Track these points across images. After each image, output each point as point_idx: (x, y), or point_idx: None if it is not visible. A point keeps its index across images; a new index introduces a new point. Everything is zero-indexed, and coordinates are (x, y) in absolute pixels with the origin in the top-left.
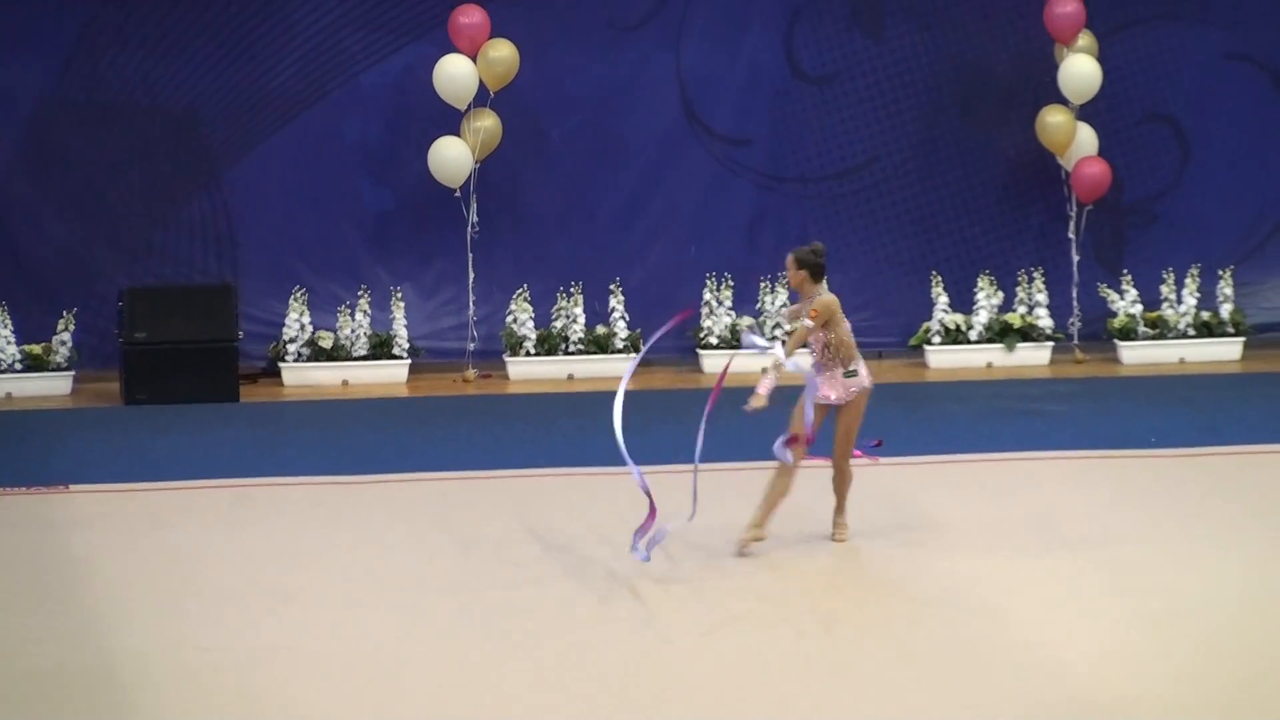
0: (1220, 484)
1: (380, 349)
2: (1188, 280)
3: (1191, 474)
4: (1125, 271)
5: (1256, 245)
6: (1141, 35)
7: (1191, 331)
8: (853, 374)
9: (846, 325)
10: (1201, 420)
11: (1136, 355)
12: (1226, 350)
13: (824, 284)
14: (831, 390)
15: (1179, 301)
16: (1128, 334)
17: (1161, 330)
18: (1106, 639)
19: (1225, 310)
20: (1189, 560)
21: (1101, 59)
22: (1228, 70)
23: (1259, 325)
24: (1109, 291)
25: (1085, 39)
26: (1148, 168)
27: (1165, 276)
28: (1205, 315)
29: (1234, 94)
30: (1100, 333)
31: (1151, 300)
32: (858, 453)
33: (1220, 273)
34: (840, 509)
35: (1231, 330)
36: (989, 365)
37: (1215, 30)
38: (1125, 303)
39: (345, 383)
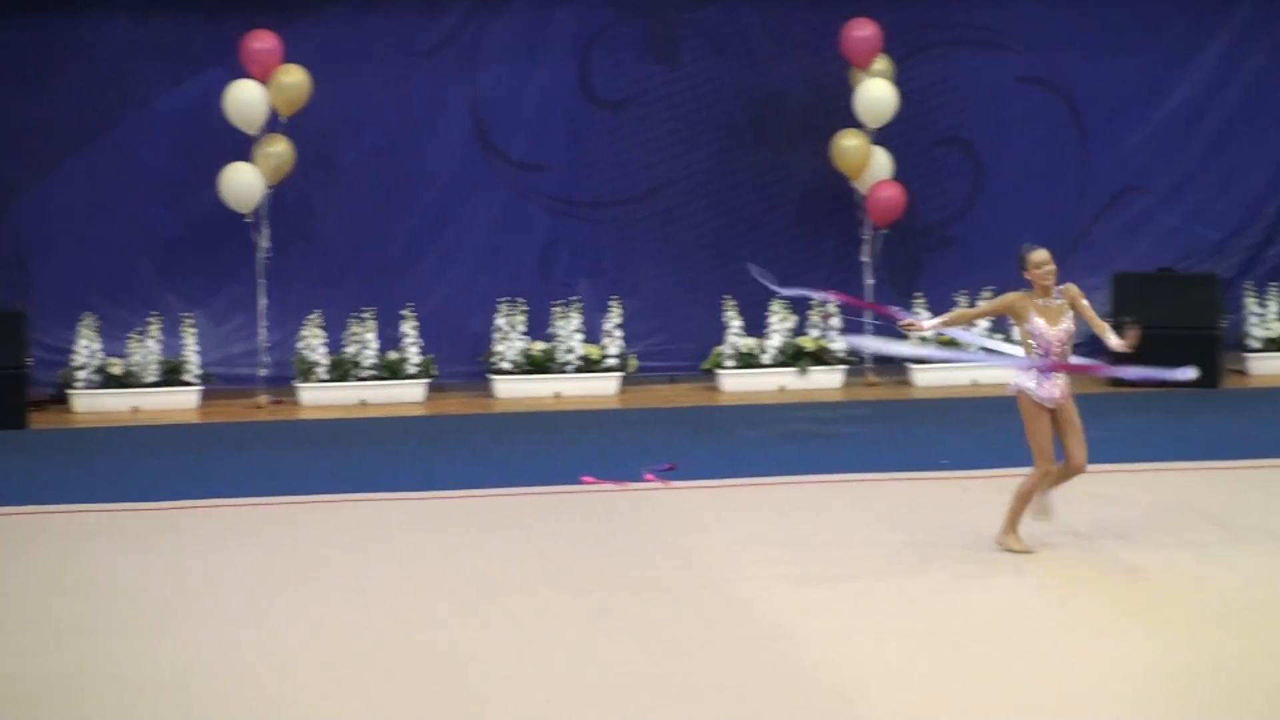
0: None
1: (171, 375)
2: (979, 303)
3: (983, 495)
4: (919, 294)
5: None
6: (937, 59)
7: (983, 355)
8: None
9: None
10: (992, 442)
11: (929, 378)
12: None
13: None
14: (1056, 393)
15: (971, 325)
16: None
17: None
18: (896, 661)
19: (1017, 333)
20: (981, 581)
21: (897, 83)
22: (1021, 93)
23: None
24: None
25: (881, 63)
26: (942, 191)
27: (958, 299)
28: (997, 338)
29: (1027, 117)
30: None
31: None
32: (649, 476)
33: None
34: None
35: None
36: (782, 389)
37: (1009, 54)
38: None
39: (135, 409)
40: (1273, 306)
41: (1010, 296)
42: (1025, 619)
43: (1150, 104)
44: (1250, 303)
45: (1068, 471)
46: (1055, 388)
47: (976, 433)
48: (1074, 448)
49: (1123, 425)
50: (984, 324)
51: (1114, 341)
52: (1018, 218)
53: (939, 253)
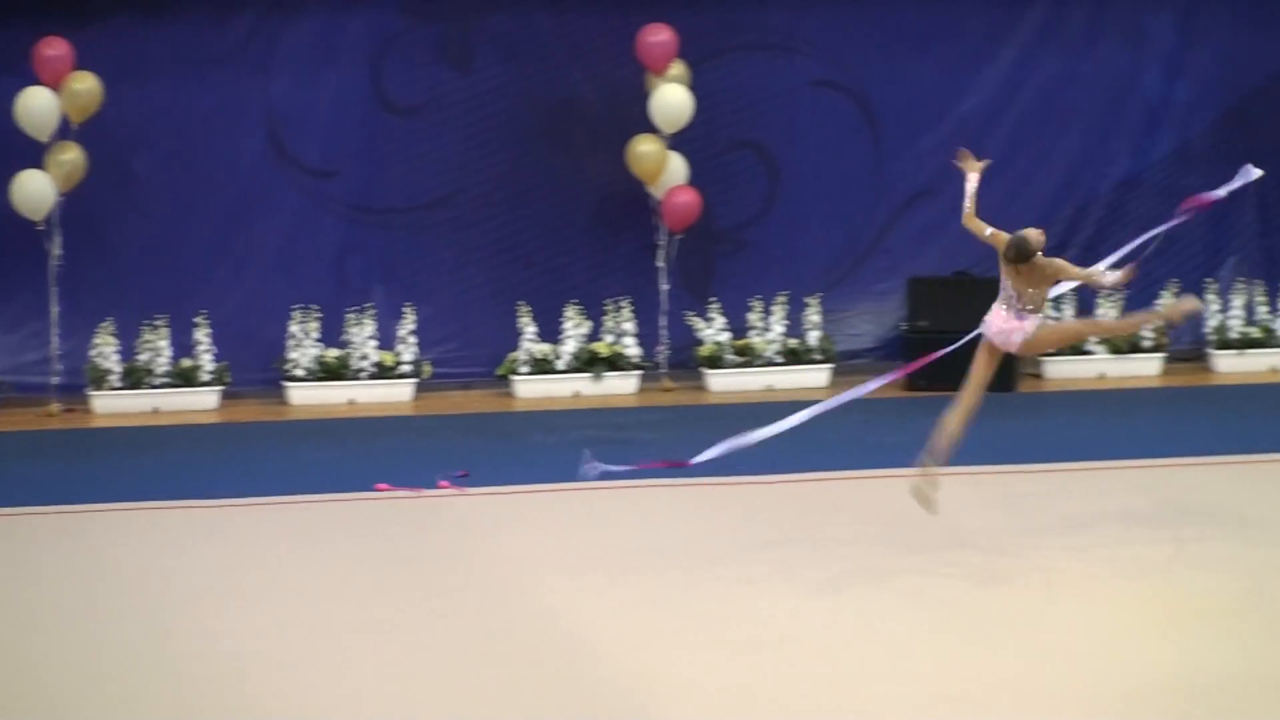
0: (806, 508)
1: None
2: (775, 308)
3: (777, 500)
4: (713, 299)
5: (844, 273)
6: (731, 64)
7: (779, 359)
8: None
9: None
10: (787, 446)
11: (724, 383)
12: (814, 377)
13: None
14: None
15: (767, 329)
16: (715, 362)
17: (750, 358)
18: (693, 666)
19: (813, 337)
20: (777, 586)
21: (692, 88)
22: (816, 97)
23: (846, 352)
24: (696, 320)
25: (677, 68)
26: (737, 196)
27: (753, 304)
28: (793, 342)
29: (822, 121)
30: (689, 361)
31: (740, 328)
32: (444, 483)
33: (808, 300)
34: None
35: (819, 357)
36: (577, 394)
37: (803, 58)
38: (713, 330)
39: None
40: (1067, 310)
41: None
42: (811, 625)
43: (944, 107)
44: (1046, 306)
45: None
46: (1006, 327)
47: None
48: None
49: (921, 428)
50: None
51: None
52: (812, 221)
53: (734, 257)
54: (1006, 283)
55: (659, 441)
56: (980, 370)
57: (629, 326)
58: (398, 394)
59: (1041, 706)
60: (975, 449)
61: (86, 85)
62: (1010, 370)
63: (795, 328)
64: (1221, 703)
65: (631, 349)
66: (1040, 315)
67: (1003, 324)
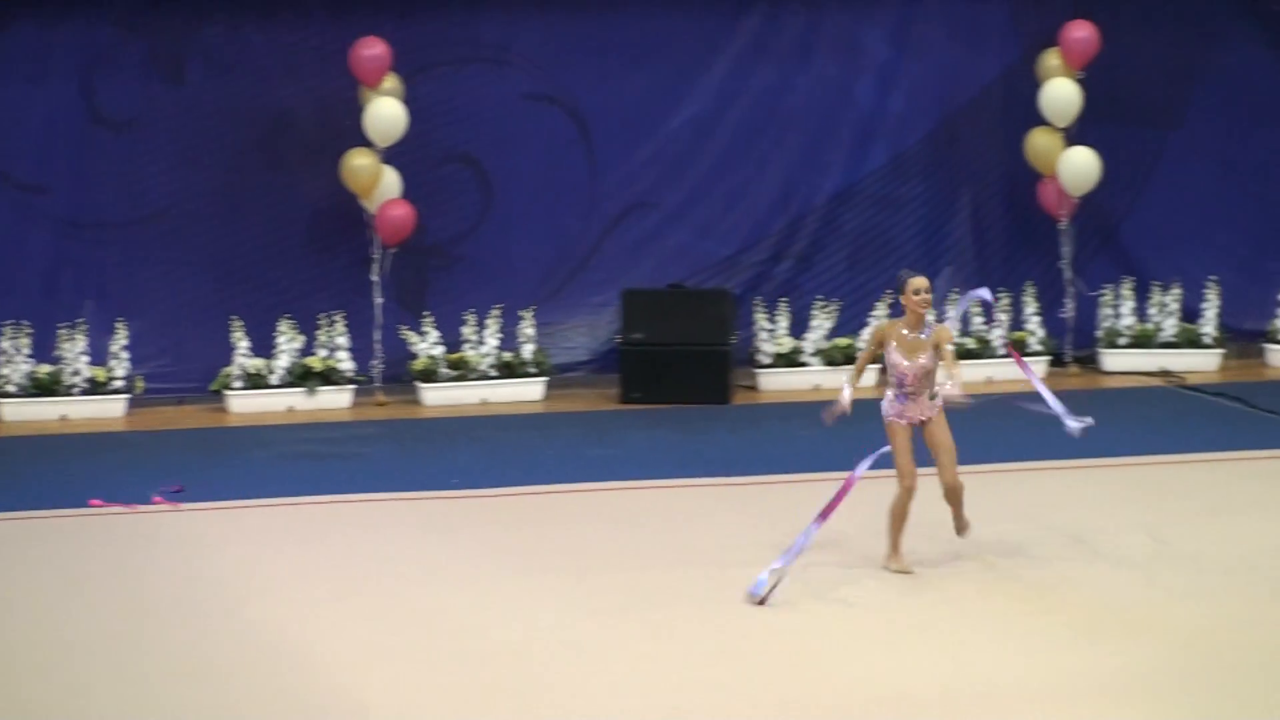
0: (518, 523)
1: None
2: (489, 321)
3: (491, 514)
4: (428, 313)
5: (559, 285)
6: (444, 77)
7: (494, 372)
8: (934, 396)
9: None
10: (503, 460)
11: (439, 396)
12: (529, 390)
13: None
14: (920, 413)
15: (481, 342)
16: (430, 375)
17: (464, 371)
18: (415, 681)
19: (527, 351)
20: (492, 598)
21: (406, 101)
22: (529, 110)
23: (560, 365)
24: (410, 334)
25: (390, 81)
26: (451, 209)
27: (467, 318)
28: (507, 356)
29: (535, 134)
30: (403, 375)
31: (454, 341)
32: (158, 498)
33: (522, 313)
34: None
35: (534, 370)
36: (290, 409)
37: (516, 71)
38: (427, 344)
39: None
40: (782, 322)
41: (879, 326)
42: (534, 636)
43: (659, 120)
44: (760, 318)
45: (945, 493)
46: (914, 407)
47: (486, 450)
48: (941, 466)
49: (634, 442)
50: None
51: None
52: (526, 235)
53: (448, 270)
54: (895, 362)
55: (373, 456)
56: (904, 456)
57: (343, 340)
58: (110, 410)
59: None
60: (693, 461)
61: None
62: (724, 382)
63: (510, 341)
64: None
65: (345, 363)
66: (938, 401)
67: (912, 409)
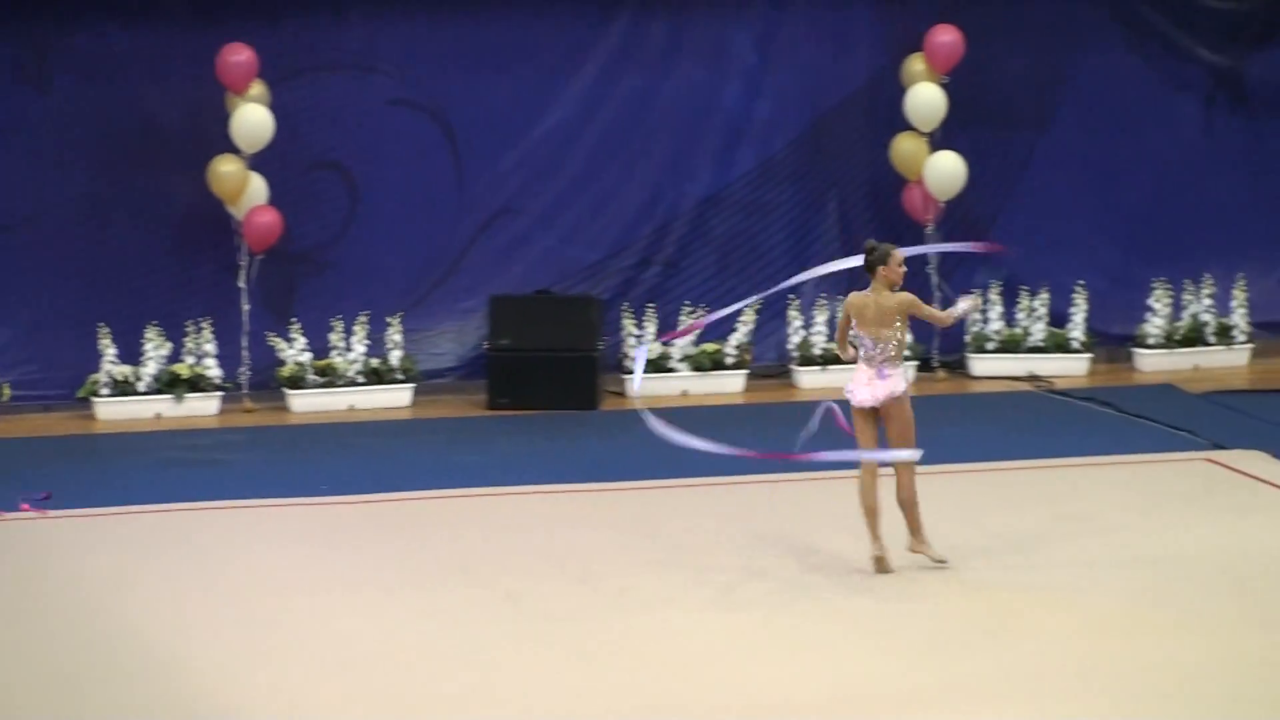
0: (387, 529)
1: None
2: (356, 328)
3: (360, 520)
4: (295, 320)
5: (426, 292)
6: (311, 83)
7: (361, 379)
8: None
9: None
10: (371, 467)
11: (307, 403)
12: (397, 396)
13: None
14: (873, 392)
15: (348, 349)
16: (297, 382)
17: (331, 378)
18: (287, 687)
19: (395, 357)
20: (362, 604)
21: (273, 107)
22: (394, 116)
23: (428, 371)
24: (278, 340)
25: (257, 88)
26: (318, 215)
27: (334, 324)
28: (375, 362)
29: (401, 140)
30: (270, 381)
31: (321, 348)
32: (25, 506)
33: (389, 320)
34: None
35: (401, 377)
36: (158, 416)
37: (381, 77)
38: (294, 351)
39: None
40: (650, 328)
41: (849, 300)
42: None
43: (525, 126)
44: (628, 324)
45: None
46: (870, 389)
47: (354, 457)
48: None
49: (502, 448)
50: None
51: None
52: (393, 241)
53: (315, 277)
54: (862, 335)
55: (241, 463)
56: (864, 441)
57: (210, 347)
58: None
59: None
60: (562, 467)
61: None
62: (592, 388)
63: (377, 347)
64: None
65: (213, 370)
66: (903, 370)
67: (866, 385)
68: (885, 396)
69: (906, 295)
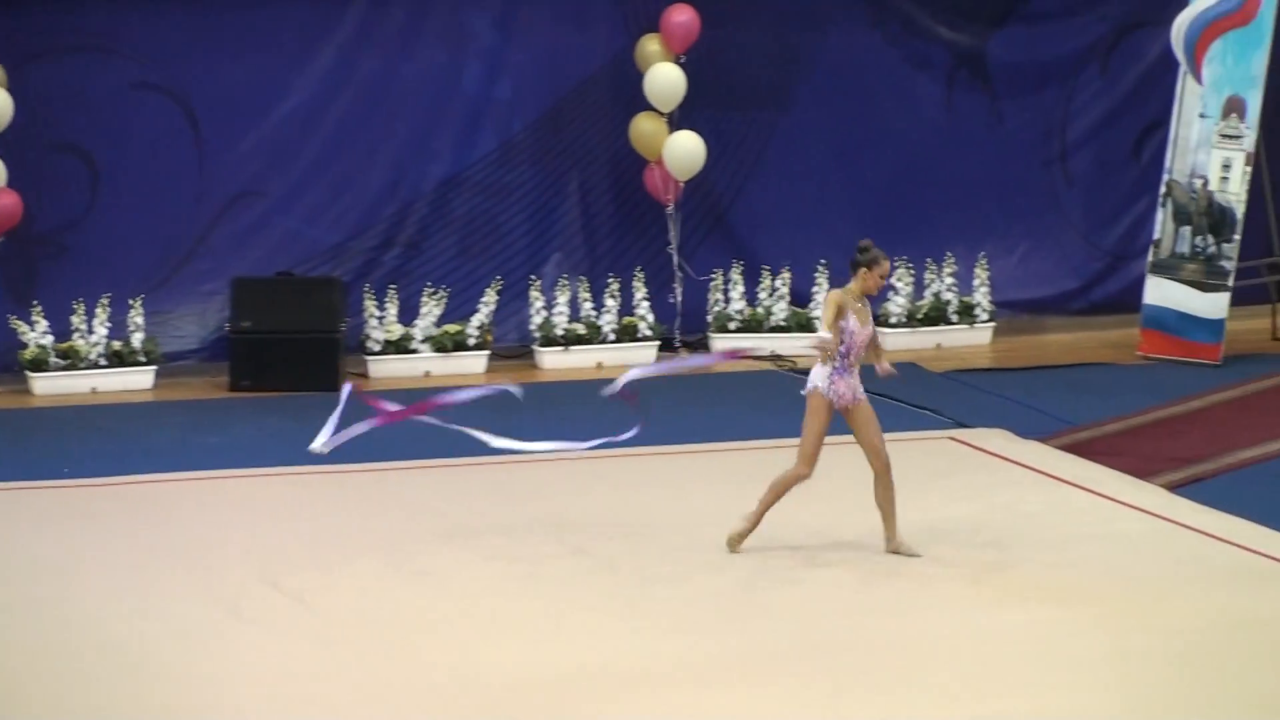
0: (129, 512)
1: None
2: (99, 310)
3: (103, 504)
4: (36, 303)
5: (168, 274)
6: (51, 65)
7: (104, 361)
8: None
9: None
10: (114, 449)
11: (49, 386)
12: (139, 379)
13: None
14: (850, 392)
15: (90, 331)
16: (39, 365)
17: (73, 360)
18: (26, 673)
19: (137, 340)
20: (107, 589)
21: (13, 90)
22: (137, 100)
23: (171, 354)
24: (19, 323)
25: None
26: (59, 198)
27: (76, 307)
28: (117, 345)
29: (143, 123)
30: (13, 365)
31: (63, 331)
32: None
33: (131, 302)
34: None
35: (143, 359)
36: None
37: (122, 59)
38: (36, 334)
39: None
40: (391, 310)
41: (835, 294)
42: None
43: (267, 108)
44: (370, 306)
45: (878, 473)
46: (846, 387)
47: (97, 439)
48: (875, 446)
49: (245, 430)
50: None
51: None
52: (135, 224)
53: (56, 260)
54: (851, 330)
55: None
56: (814, 438)
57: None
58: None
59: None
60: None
61: None
62: (334, 369)
63: (119, 330)
64: None
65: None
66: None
67: (842, 385)
68: (859, 397)
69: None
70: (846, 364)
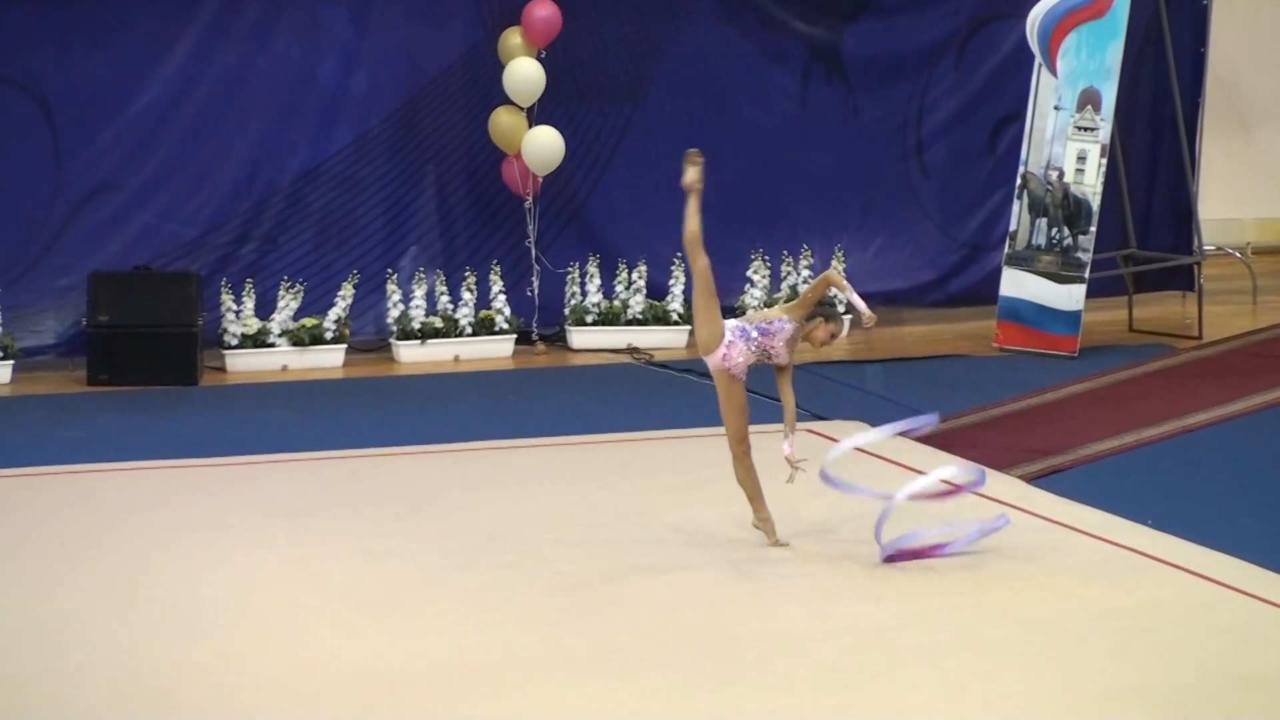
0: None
1: None
2: None
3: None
4: None
5: (24, 270)
6: None
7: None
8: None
9: None
10: None
11: None
12: None
13: None
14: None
15: None
16: None
17: None
18: None
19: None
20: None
21: None
22: None
23: (28, 349)
24: None
25: None
26: None
27: None
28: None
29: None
30: None
31: None
32: None
33: None
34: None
35: (1, 354)
36: None
37: None
38: None
39: None
40: (249, 304)
41: (790, 307)
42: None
43: (123, 101)
44: (227, 299)
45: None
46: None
47: None
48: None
49: (103, 424)
50: None
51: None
52: None
53: None
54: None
55: None
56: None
57: None
58: None
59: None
60: (163, 442)
61: None
62: (192, 363)
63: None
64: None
65: None
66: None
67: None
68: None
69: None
70: (754, 347)
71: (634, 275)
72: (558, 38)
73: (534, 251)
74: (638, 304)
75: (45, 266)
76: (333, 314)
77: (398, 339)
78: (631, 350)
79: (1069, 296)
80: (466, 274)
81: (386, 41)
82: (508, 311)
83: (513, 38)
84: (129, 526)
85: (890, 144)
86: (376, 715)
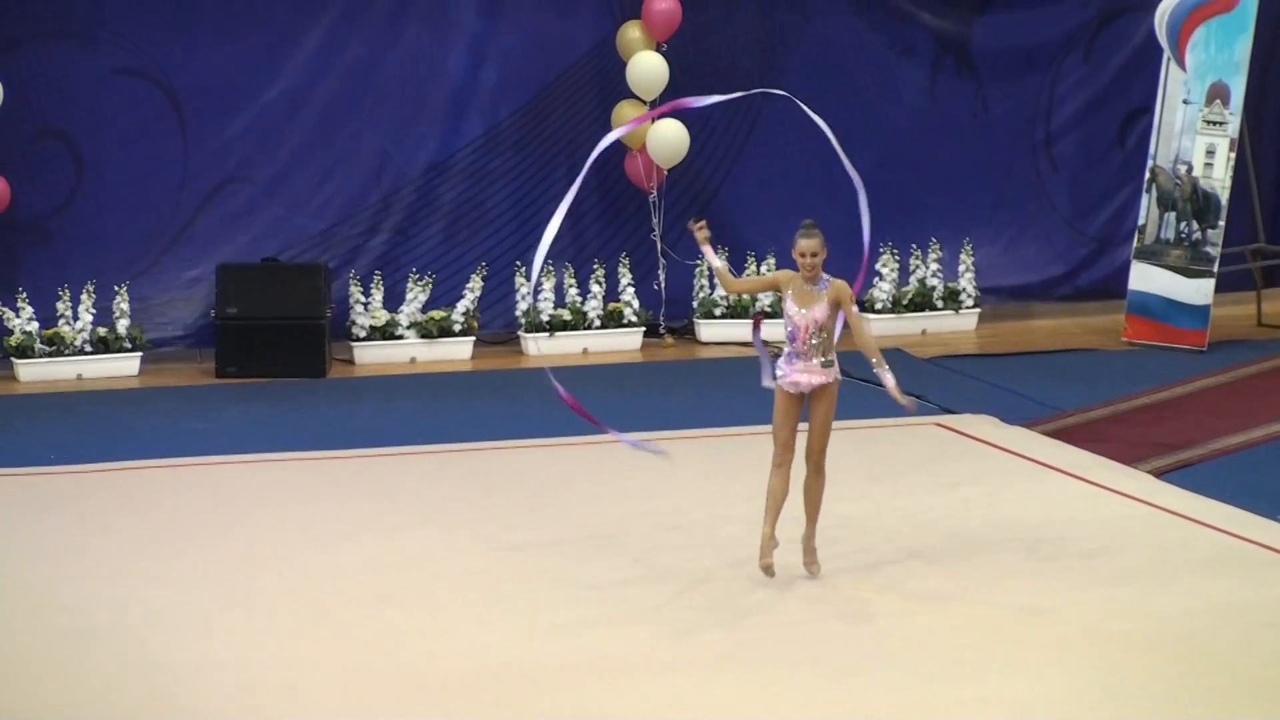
0: (116, 499)
1: None
2: (84, 297)
3: (88, 490)
4: (21, 290)
5: (152, 260)
6: (35, 52)
7: (89, 348)
8: (829, 364)
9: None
10: (100, 435)
11: (34, 372)
12: (125, 365)
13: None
14: (809, 378)
15: (75, 318)
16: (25, 352)
17: (59, 347)
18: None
19: (122, 326)
20: (84, 574)
21: None
22: (120, 85)
23: (156, 340)
24: (4, 310)
25: None
26: (44, 184)
27: (61, 293)
28: (102, 331)
29: (128, 109)
30: None
31: (49, 317)
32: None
33: (116, 288)
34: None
35: (129, 345)
36: None
37: (106, 46)
38: (21, 321)
39: None
40: (377, 296)
41: (783, 273)
42: (136, 616)
43: (251, 93)
44: (355, 292)
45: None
46: (800, 373)
47: (83, 426)
48: (811, 445)
49: (231, 416)
50: None
51: (888, 382)
52: (120, 211)
53: (42, 246)
54: (789, 313)
55: None
56: (781, 426)
57: None
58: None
59: None
60: (292, 434)
61: None
62: (320, 356)
63: (105, 316)
64: None
65: None
66: (836, 369)
67: (798, 375)
68: (815, 383)
69: (842, 286)
70: (795, 350)
71: (763, 268)
72: (687, 31)
73: (660, 244)
74: (766, 296)
75: (173, 258)
76: (461, 306)
77: (526, 331)
78: (764, 344)
79: (1198, 291)
80: (595, 266)
81: (516, 32)
82: (636, 304)
83: (631, 31)
84: (255, 519)
85: (1019, 137)
86: (505, 709)
